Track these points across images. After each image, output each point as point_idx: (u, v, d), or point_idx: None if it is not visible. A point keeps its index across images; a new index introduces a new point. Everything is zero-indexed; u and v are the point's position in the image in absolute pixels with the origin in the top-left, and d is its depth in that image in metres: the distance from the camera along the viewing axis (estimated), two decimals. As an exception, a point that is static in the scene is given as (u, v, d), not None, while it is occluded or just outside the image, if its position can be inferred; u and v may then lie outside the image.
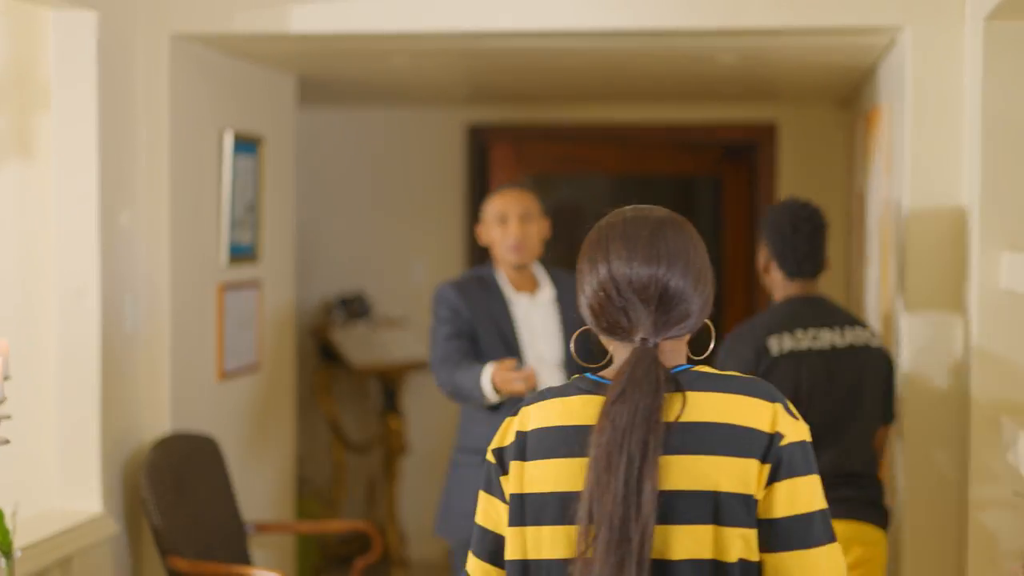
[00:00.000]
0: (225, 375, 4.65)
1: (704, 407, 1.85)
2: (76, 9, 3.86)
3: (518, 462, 1.91)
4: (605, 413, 1.82)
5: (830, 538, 1.85)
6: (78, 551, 3.81)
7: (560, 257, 6.48)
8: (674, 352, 1.93)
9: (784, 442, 1.84)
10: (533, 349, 3.82)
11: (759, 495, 1.83)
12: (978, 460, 3.59)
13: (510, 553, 1.91)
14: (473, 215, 6.72)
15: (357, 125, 6.72)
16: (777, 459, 1.83)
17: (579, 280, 1.95)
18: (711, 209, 6.98)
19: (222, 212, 4.57)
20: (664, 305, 1.88)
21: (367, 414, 6.70)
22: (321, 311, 6.58)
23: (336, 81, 5.58)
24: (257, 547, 4.80)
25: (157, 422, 4.26)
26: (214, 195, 4.55)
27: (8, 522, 3.24)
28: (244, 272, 4.79)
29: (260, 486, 4.96)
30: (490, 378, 3.55)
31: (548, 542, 1.88)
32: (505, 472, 1.93)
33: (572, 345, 2.01)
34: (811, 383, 3.38)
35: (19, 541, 3.31)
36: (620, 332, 1.90)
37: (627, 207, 1.97)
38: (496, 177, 6.69)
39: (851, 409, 3.43)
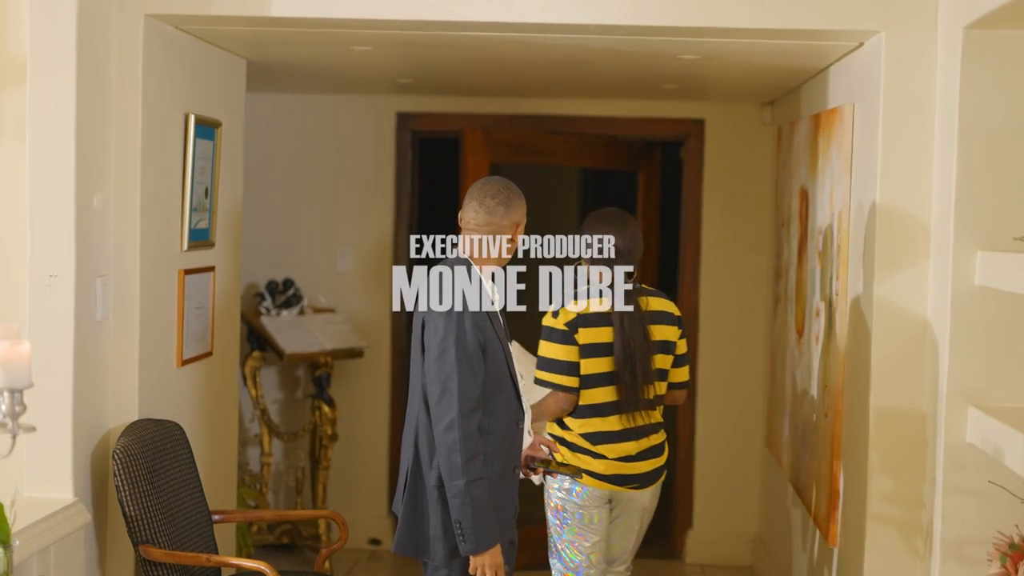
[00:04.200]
0: (184, 361, 4.58)
1: (652, 303, 4.20)
2: (55, -15, 3.76)
3: (582, 328, 4.08)
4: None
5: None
6: (55, 541, 3.73)
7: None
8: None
9: (683, 320, 4.31)
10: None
11: (677, 341, 4.24)
12: (949, 449, 3.76)
13: (584, 371, 4.11)
14: (402, 203, 6.71)
15: (290, 110, 6.65)
16: (681, 328, 4.27)
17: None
18: (629, 201, 7.08)
19: (185, 196, 4.50)
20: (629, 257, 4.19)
21: (296, 402, 6.64)
22: (249, 297, 6.50)
23: (278, 66, 5.51)
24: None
25: (124, 410, 4.18)
26: (178, 179, 4.48)
27: (8, 512, 3.17)
28: (201, 257, 4.72)
29: (209, 473, 4.88)
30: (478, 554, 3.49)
31: (597, 365, 4.11)
32: (576, 332, 4.07)
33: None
34: None
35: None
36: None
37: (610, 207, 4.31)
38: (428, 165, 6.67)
39: None
